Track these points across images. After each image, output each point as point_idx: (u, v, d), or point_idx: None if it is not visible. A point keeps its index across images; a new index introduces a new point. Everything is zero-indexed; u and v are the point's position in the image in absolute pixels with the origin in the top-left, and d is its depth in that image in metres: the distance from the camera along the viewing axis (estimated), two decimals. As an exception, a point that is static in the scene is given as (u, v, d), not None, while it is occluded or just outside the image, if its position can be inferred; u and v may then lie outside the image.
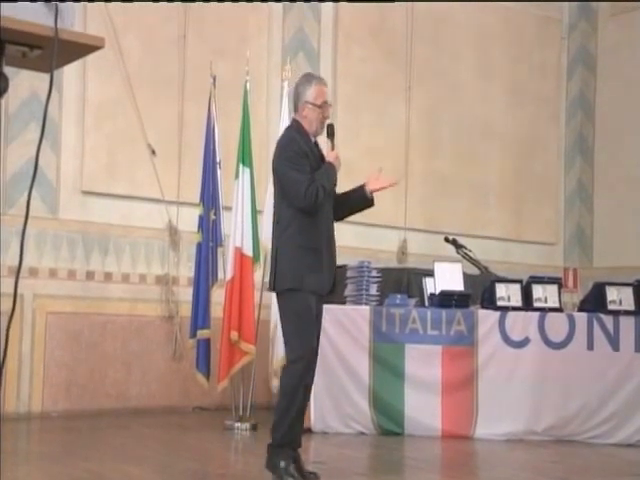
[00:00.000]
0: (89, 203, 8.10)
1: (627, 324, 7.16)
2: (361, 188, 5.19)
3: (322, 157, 5.10)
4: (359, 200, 5.21)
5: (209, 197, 7.48)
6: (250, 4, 8.90)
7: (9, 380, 7.43)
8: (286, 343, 5.09)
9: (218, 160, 7.54)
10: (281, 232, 5.00)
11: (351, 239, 8.87)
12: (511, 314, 7.15)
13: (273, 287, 5.00)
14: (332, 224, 5.13)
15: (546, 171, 11.23)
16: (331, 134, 5.10)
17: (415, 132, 10.07)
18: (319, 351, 5.10)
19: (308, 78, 5.16)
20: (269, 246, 7.25)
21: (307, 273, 4.90)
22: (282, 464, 4.84)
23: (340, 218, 5.23)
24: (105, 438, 6.74)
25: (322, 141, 5.19)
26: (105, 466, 5.36)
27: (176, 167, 8.51)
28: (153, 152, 8.35)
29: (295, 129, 5.08)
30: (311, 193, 4.84)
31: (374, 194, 5.20)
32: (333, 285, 5.11)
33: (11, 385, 7.50)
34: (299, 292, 4.89)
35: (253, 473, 5.43)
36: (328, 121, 5.10)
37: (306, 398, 5.03)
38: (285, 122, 7.51)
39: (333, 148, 5.10)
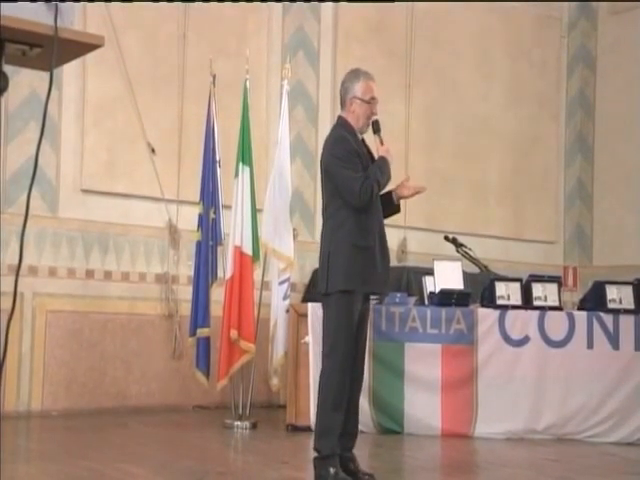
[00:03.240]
0: (89, 202, 8.10)
1: (627, 323, 7.16)
2: (389, 194, 5.14)
3: (371, 155, 5.05)
4: (386, 205, 5.11)
5: (209, 196, 7.48)
6: (250, 3, 8.90)
7: (9, 379, 7.43)
8: (324, 344, 4.97)
9: (218, 159, 7.55)
10: (333, 232, 4.91)
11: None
12: (511, 313, 7.15)
13: (326, 288, 4.86)
14: (383, 222, 5.05)
15: (546, 169, 11.23)
16: (377, 130, 5.03)
17: (415, 131, 10.08)
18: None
19: (356, 73, 5.07)
20: (269, 245, 7.34)
21: (362, 273, 4.83)
22: (332, 471, 4.75)
23: None
24: (105, 437, 6.74)
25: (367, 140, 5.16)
26: (105, 465, 5.35)
27: (176, 166, 8.51)
28: (153, 151, 8.35)
29: (342, 126, 5.02)
30: (366, 190, 4.79)
31: (401, 201, 5.19)
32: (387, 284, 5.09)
33: (11, 384, 7.51)
34: (351, 294, 4.82)
35: (253, 472, 5.43)
36: (373, 117, 5.02)
37: (351, 402, 4.97)
38: (285, 120, 7.53)
39: (382, 143, 5.03)
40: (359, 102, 4.98)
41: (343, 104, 5.07)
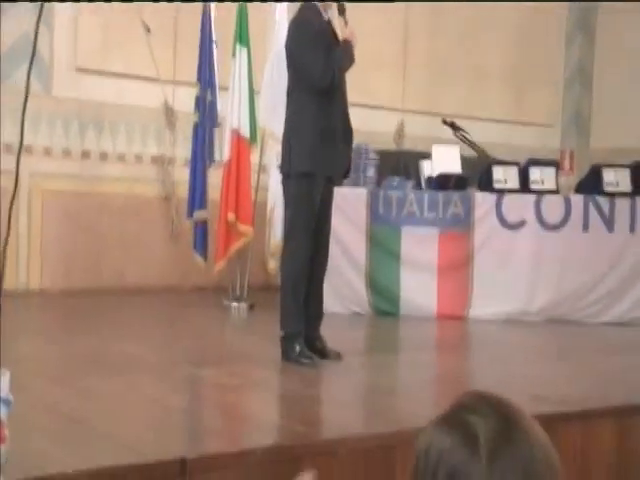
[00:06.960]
0: (84, 81, 7.97)
1: (623, 205, 7.16)
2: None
3: (336, 36, 5.03)
4: None
5: (206, 77, 7.39)
6: None
7: (7, 257, 7.43)
8: (286, 227, 5.11)
9: (214, 39, 7.42)
10: (295, 115, 4.96)
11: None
12: (508, 196, 7.15)
13: (288, 170, 4.96)
14: (347, 105, 5.09)
15: (546, 51, 11.05)
16: (342, 12, 5.02)
17: (415, 13, 9.87)
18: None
19: None
20: (267, 128, 7.28)
21: (323, 156, 4.87)
22: (297, 348, 4.88)
23: None
24: (103, 316, 6.80)
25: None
26: (102, 343, 5.37)
27: (172, 45, 8.34)
28: (148, 30, 8.17)
29: (308, 8, 5.00)
30: (327, 73, 4.81)
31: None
32: (348, 169, 5.18)
33: (10, 263, 7.51)
34: (312, 176, 4.87)
35: (251, 350, 5.51)
36: None
37: (315, 286, 5.08)
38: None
39: (346, 24, 5.01)
40: None
41: None
